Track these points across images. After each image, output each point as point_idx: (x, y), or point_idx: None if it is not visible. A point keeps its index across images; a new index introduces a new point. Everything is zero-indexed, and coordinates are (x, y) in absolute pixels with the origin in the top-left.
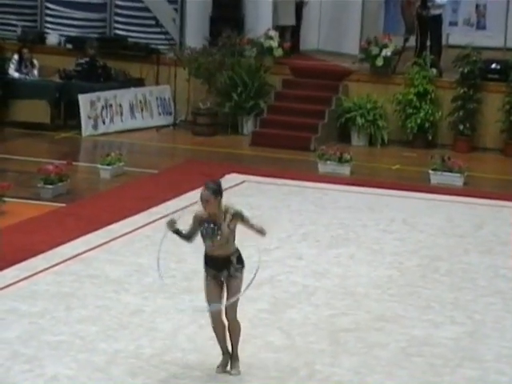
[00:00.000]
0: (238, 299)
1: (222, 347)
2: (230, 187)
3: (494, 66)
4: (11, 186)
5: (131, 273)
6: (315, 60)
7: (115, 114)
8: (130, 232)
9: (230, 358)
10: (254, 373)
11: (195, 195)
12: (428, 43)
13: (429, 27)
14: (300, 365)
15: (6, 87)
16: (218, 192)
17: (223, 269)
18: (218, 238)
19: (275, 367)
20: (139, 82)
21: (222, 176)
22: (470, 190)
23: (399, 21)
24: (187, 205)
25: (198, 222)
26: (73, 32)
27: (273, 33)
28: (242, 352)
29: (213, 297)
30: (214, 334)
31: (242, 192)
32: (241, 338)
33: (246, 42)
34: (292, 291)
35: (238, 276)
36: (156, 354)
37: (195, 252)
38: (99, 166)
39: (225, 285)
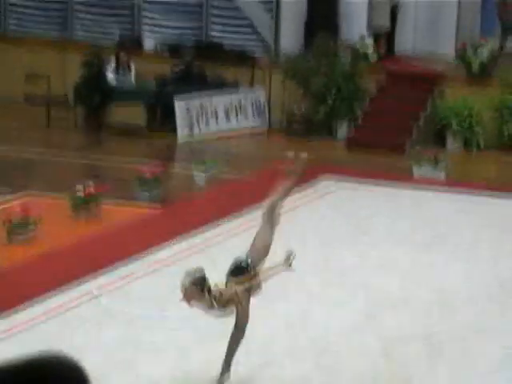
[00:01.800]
0: None
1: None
2: (324, 191)
3: None
4: (108, 188)
5: None
6: (410, 64)
7: (210, 118)
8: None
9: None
10: None
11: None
12: None
13: None
14: None
15: (105, 91)
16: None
17: None
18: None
19: None
20: (234, 87)
21: (315, 178)
22: None
23: (496, 22)
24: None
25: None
26: (169, 38)
27: (368, 40)
28: None
29: None
30: None
31: (337, 195)
32: None
33: (341, 46)
34: (386, 297)
35: None
36: None
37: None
38: (194, 170)
39: None
